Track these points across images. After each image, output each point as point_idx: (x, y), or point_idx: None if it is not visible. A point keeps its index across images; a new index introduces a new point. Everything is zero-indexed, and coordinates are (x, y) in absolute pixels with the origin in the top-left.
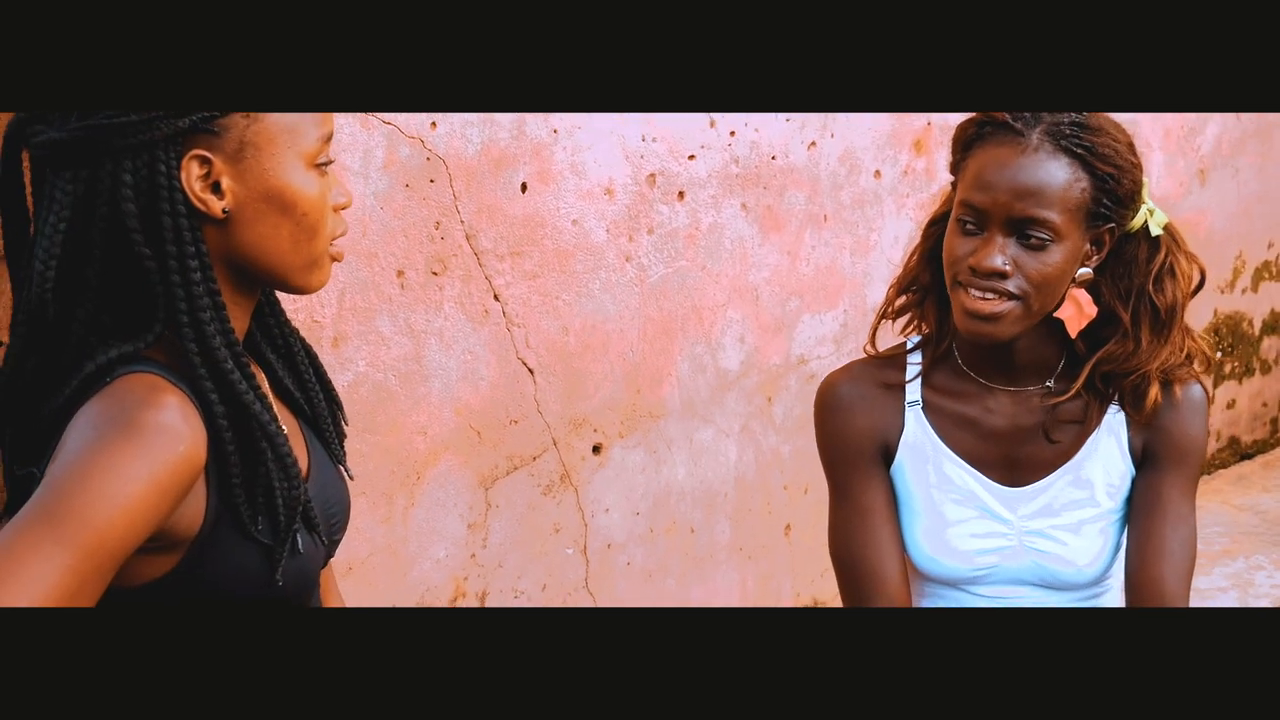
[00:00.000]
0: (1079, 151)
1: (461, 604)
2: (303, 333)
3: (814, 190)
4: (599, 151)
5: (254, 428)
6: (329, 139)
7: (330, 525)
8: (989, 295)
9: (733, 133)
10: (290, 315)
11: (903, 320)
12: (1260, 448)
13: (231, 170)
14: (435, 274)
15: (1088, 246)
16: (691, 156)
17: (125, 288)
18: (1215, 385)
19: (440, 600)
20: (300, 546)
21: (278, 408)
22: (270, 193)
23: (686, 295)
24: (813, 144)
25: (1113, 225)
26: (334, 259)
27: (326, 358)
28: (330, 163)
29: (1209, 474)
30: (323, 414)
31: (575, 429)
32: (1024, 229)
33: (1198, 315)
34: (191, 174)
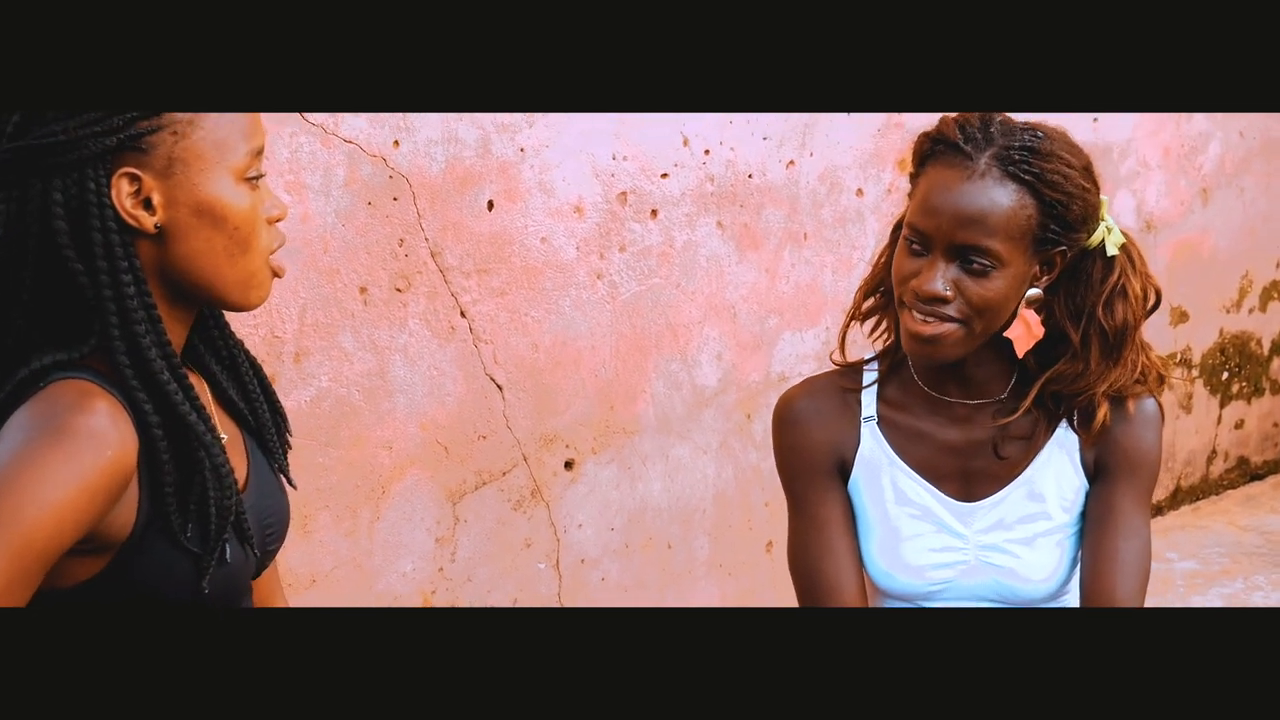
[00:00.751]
0: (1026, 178)
1: None
2: (263, 348)
3: (793, 208)
4: (567, 170)
5: (190, 437)
6: (259, 153)
7: (265, 535)
8: (930, 319)
9: (707, 151)
10: (250, 331)
11: (871, 323)
12: (1271, 468)
13: (161, 186)
14: (399, 290)
15: (1036, 268)
16: (664, 175)
17: (61, 300)
18: (1222, 405)
19: None
20: (229, 556)
21: (220, 417)
22: (200, 207)
23: (661, 313)
24: (791, 162)
25: (1063, 248)
26: (275, 274)
27: (288, 373)
28: (261, 176)
29: (1216, 494)
30: (266, 424)
31: (546, 445)
32: (966, 255)
33: (1202, 335)
34: (122, 191)
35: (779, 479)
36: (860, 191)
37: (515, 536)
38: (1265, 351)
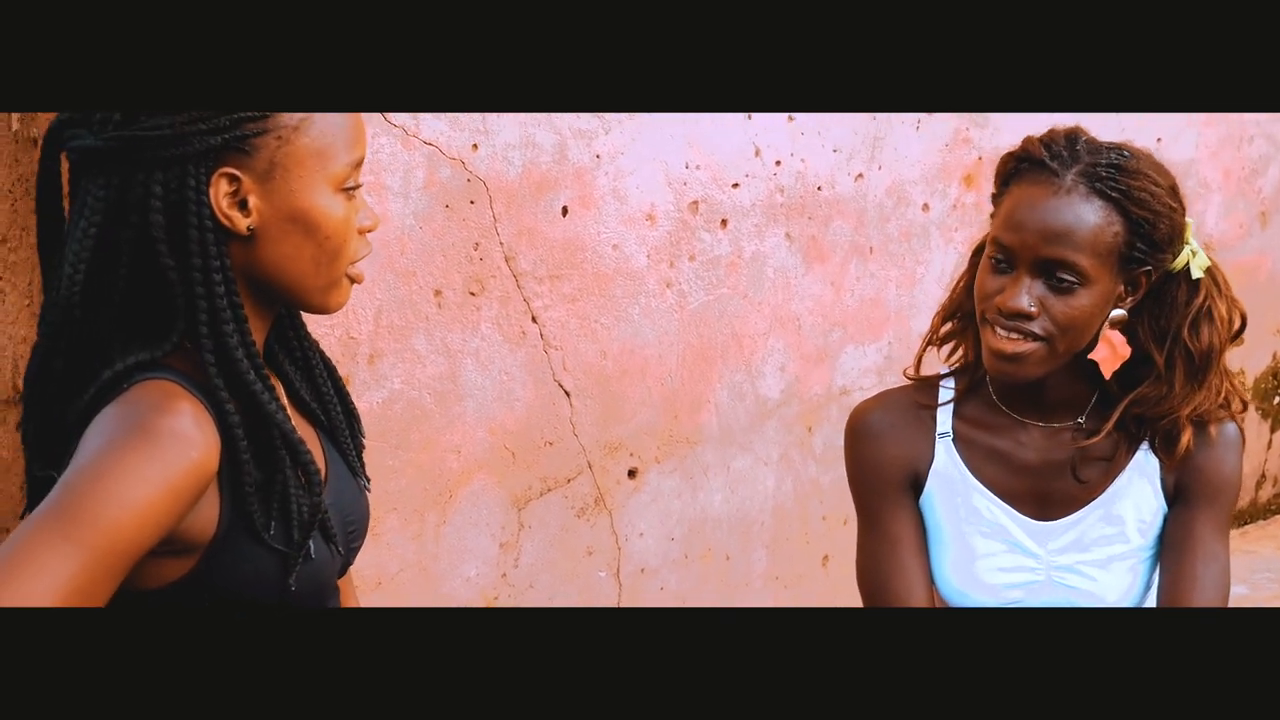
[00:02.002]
0: (1114, 195)
1: None
2: (338, 349)
3: (860, 222)
4: (641, 177)
5: (274, 435)
6: (359, 164)
7: (348, 534)
8: (1013, 335)
9: (778, 162)
10: (326, 331)
11: (949, 347)
12: None
13: (259, 189)
14: (473, 294)
15: (1121, 288)
16: (735, 185)
17: (148, 296)
18: (1273, 429)
19: None
20: (314, 553)
21: (295, 418)
22: (295, 214)
23: (727, 323)
24: (860, 175)
25: (1149, 269)
26: (353, 280)
27: (361, 374)
28: (358, 187)
29: (1265, 519)
30: (339, 426)
31: (611, 453)
32: (1052, 271)
33: (1256, 359)
34: (220, 190)
35: (849, 492)
36: (926, 206)
37: (578, 544)
38: None
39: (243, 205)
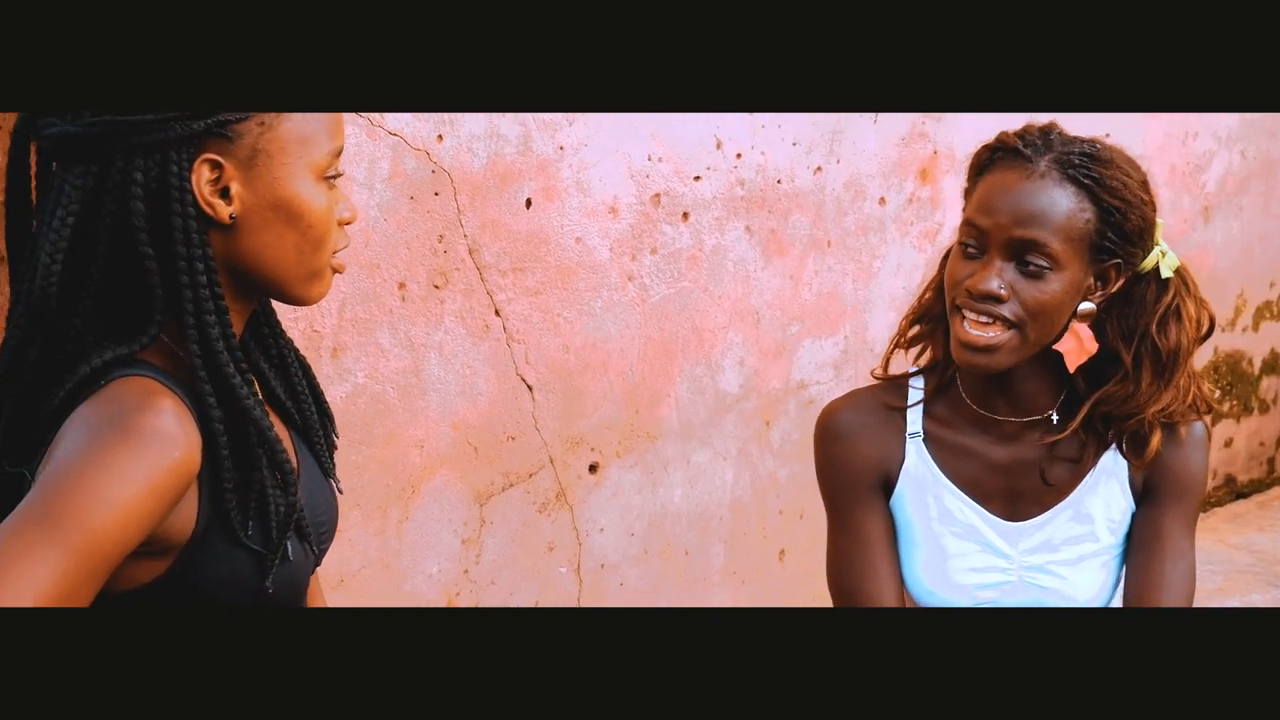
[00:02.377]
0: (1086, 182)
1: None
2: (302, 343)
3: (818, 215)
4: (604, 169)
5: (250, 433)
6: (339, 153)
7: (319, 535)
8: (984, 320)
9: (739, 155)
10: (290, 325)
11: (915, 350)
12: (1256, 487)
13: (242, 176)
14: (437, 287)
15: (1091, 280)
16: (697, 178)
17: (125, 287)
18: (1214, 423)
19: None
20: (290, 554)
21: (269, 417)
22: (278, 202)
23: (688, 317)
24: (819, 169)
25: (1119, 261)
26: (335, 270)
27: (325, 368)
28: (339, 176)
29: (1205, 512)
30: (313, 425)
31: (572, 447)
32: (1023, 254)
33: (1199, 354)
34: (202, 177)
35: (805, 487)
36: (883, 200)
37: (539, 540)
38: (1256, 370)
39: (224, 193)
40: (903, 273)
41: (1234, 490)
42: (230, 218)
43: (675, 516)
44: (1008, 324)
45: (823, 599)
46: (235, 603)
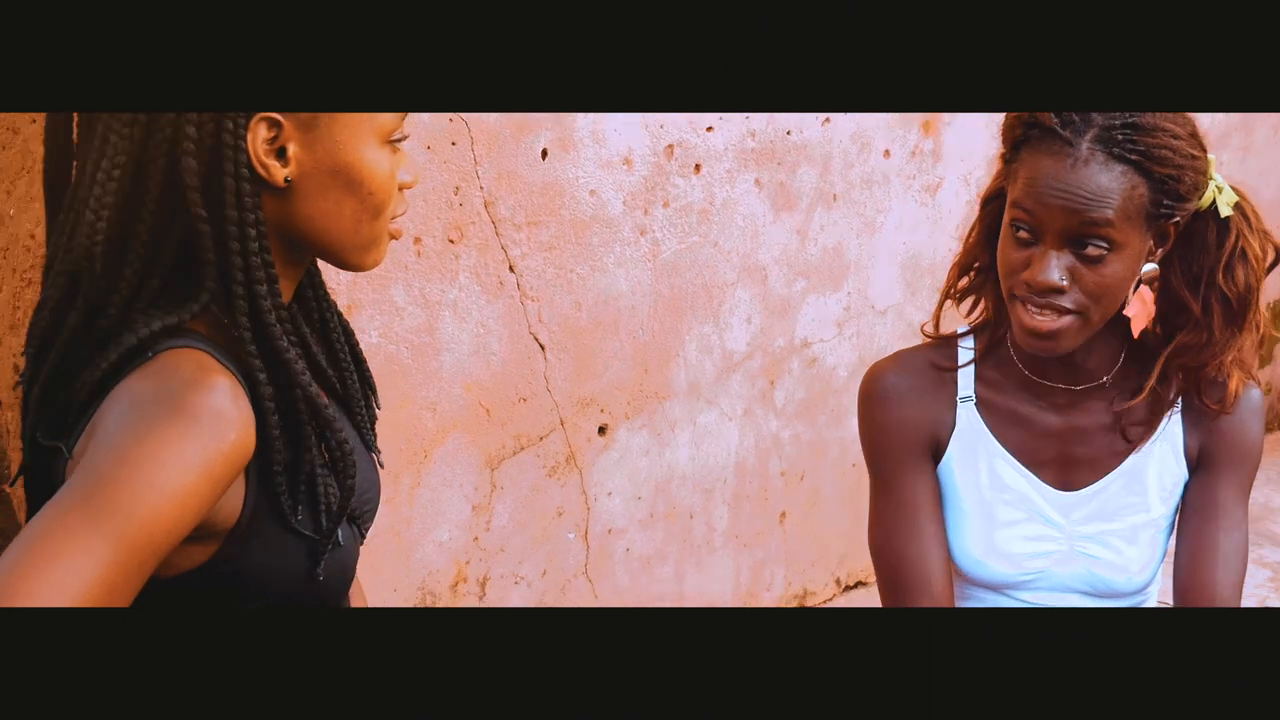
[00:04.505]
0: (1133, 158)
1: (462, 589)
2: None
3: (826, 168)
4: (619, 119)
5: (303, 410)
6: (405, 114)
7: (364, 513)
8: (1045, 311)
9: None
10: None
11: (968, 303)
12: None
13: (301, 138)
14: (452, 241)
15: (1150, 243)
16: (710, 128)
17: (174, 249)
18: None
19: (441, 585)
20: (341, 539)
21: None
22: (339, 167)
23: (698, 272)
24: (827, 119)
25: (1177, 220)
26: (392, 237)
27: None
28: (405, 138)
29: None
30: (355, 396)
31: (583, 409)
32: (1080, 242)
33: None
34: (258, 136)
35: (807, 447)
36: (887, 153)
37: (548, 504)
38: None
39: (280, 154)
40: (905, 229)
41: None
42: (286, 180)
43: (681, 479)
44: (1072, 311)
45: (821, 562)
46: (285, 589)
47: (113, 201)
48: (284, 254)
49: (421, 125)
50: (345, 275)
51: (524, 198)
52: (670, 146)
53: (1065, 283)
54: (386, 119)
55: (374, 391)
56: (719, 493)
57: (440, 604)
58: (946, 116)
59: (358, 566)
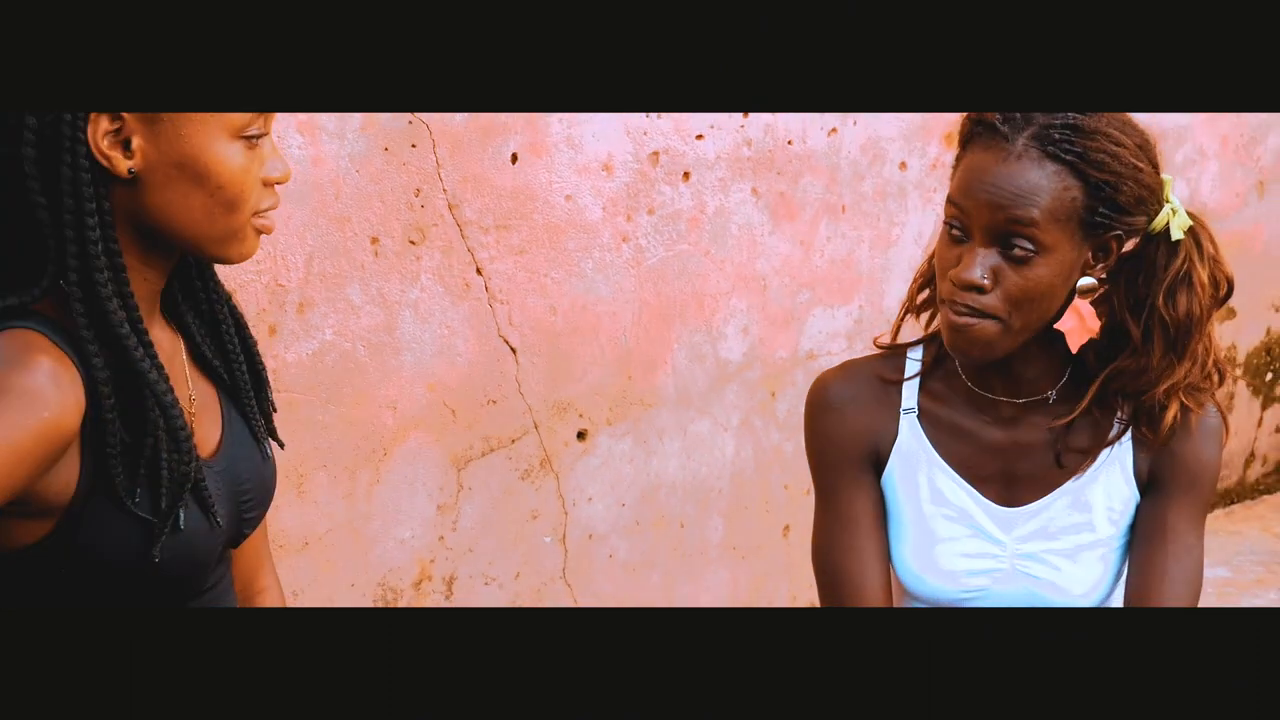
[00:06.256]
0: (1068, 158)
1: (426, 587)
2: (265, 296)
3: (832, 179)
4: (598, 125)
5: (145, 395)
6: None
7: (241, 504)
8: (963, 311)
9: (746, 114)
10: (252, 278)
11: (927, 315)
12: None
13: (144, 130)
14: (413, 243)
15: (1088, 255)
16: (700, 136)
17: (19, 233)
18: (1264, 407)
19: (403, 582)
20: (183, 524)
21: (195, 376)
22: (184, 160)
23: (687, 281)
24: (834, 130)
25: (1119, 233)
26: (260, 231)
27: (290, 324)
28: (264, 135)
29: (1252, 499)
30: (243, 385)
31: (559, 413)
32: (1006, 240)
33: (1249, 333)
34: (100, 128)
35: (807, 466)
36: (904, 165)
37: (521, 507)
38: None
39: (125, 145)
40: (924, 241)
41: None
42: (130, 172)
43: (670, 488)
44: (990, 315)
45: None
46: (123, 569)
47: None
48: (143, 244)
49: (379, 126)
50: (296, 273)
51: (492, 201)
52: (655, 153)
53: (987, 281)
54: (236, 115)
55: (265, 382)
56: (714, 503)
57: (402, 601)
58: None
59: (272, 556)
